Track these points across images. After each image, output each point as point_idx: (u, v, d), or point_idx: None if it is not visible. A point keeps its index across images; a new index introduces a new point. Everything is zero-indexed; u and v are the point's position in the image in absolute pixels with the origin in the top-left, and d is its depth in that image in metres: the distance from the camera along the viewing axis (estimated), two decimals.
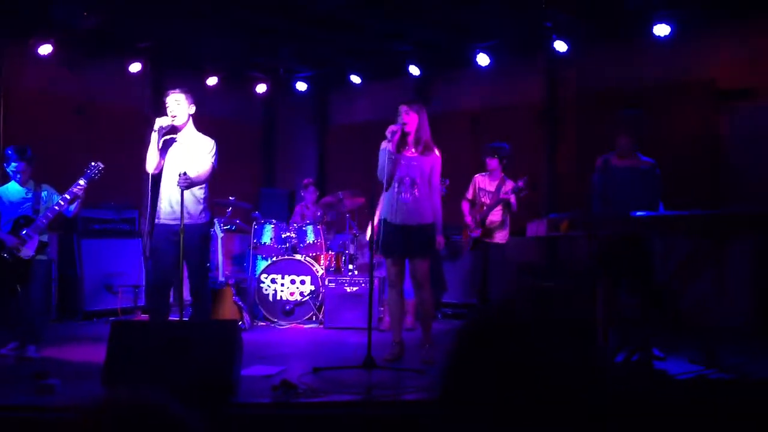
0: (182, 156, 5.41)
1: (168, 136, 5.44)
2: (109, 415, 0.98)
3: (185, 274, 5.45)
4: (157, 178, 5.47)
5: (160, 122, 5.30)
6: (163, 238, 5.37)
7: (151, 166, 5.37)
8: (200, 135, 5.52)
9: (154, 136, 5.30)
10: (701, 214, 4.39)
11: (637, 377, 4.44)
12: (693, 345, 5.08)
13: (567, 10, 7.27)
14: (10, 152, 5.63)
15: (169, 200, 5.38)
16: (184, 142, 5.46)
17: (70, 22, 7.31)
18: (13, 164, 5.59)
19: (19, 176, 5.62)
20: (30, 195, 5.64)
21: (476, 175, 6.96)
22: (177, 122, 5.39)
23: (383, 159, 5.37)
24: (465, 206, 6.92)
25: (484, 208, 6.78)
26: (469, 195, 6.94)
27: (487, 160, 6.81)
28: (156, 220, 5.47)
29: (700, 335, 5.21)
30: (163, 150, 5.41)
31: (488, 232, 6.76)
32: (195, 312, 5.48)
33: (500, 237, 6.79)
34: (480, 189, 6.87)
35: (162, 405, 1.00)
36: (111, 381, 4.03)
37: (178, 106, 5.39)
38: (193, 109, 5.47)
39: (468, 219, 6.89)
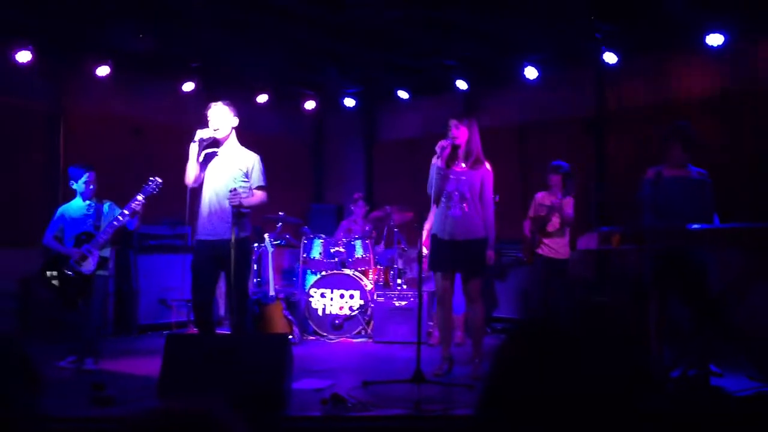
0: (224, 170, 5.26)
1: (209, 150, 5.31)
2: (156, 422, 1.01)
3: (221, 290, 5.34)
4: (197, 192, 5.31)
5: (201, 134, 5.18)
6: (203, 254, 5.23)
7: (190, 179, 5.25)
8: (243, 149, 5.36)
9: (194, 147, 5.17)
10: (759, 227, 4.29)
11: (693, 393, 4.34)
12: (750, 361, 4.94)
13: (616, 21, 7.19)
14: (76, 169, 5.80)
15: (209, 215, 5.22)
16: (226, 156, 5.30)
17: (125, 45, 7.55)
18: (85, 175, 5.75)
19: (92, 187, 5.76)
20: (92, 211, 5.77)
21: (537, 193, 6.93)
22: (219, 135, 5.25)
23: (433, 174, 5.38)
24: (526, 225, 6.87)
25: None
26: (531, 213, 6.90)
27: (551, 176, 6.75)
28: (196, 236, 5.35)
29: (757, 350, 5.06)
30: (204, 163, 5.27)
31: (544, 232, 6.70)
32: (233, 328, 5.26)
33: (562, 250, 6.71)
34: (540, 205, 6.82)
35: (207, 411, 1.02)
36: (166, 393, 4.12)
37: (221, 118, 5.25)
38: (236, 122, 5.33)
39: (527, 231, 6.84)
